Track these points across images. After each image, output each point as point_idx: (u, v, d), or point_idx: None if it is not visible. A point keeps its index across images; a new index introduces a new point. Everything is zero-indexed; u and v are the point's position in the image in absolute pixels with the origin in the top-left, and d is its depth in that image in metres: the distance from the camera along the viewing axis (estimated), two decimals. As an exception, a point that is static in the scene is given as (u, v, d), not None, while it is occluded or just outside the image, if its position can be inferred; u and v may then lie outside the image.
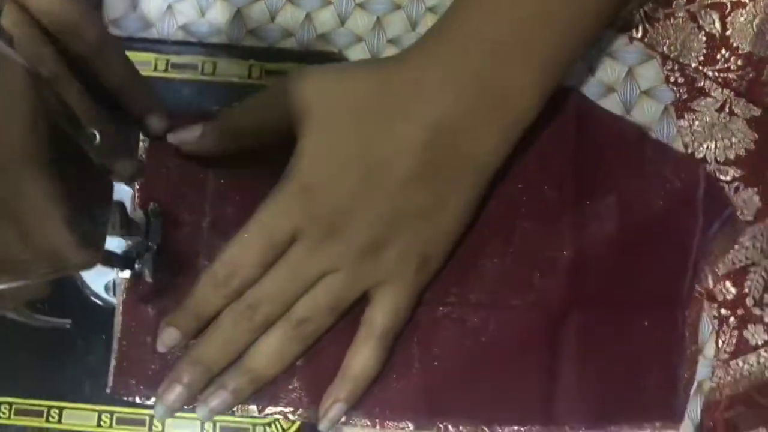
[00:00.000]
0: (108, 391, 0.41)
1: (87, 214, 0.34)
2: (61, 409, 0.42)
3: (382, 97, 0.39)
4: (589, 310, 0.42)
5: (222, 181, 0.42)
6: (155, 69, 0.45)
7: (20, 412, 0.42)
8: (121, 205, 0.34)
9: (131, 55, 0.41)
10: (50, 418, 0.42)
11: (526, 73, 0.39)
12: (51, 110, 0.27)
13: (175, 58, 0.45)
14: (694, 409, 0.43)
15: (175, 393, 0.39)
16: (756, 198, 0.44)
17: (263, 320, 0.39)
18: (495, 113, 0.39)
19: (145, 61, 0.45)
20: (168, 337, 0.40)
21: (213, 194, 0.42)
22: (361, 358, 0.40)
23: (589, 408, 0.42)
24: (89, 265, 0.35)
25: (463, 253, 0.42)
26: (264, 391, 0.41)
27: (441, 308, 0.42)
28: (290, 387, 0.41)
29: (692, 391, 0.43)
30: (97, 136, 0.34)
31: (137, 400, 0.41)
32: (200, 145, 0.41)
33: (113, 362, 0.41)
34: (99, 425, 0.42)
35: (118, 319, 0.41)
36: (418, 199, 0.39)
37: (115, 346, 0.41)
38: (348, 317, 0.41)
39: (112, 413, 0.42)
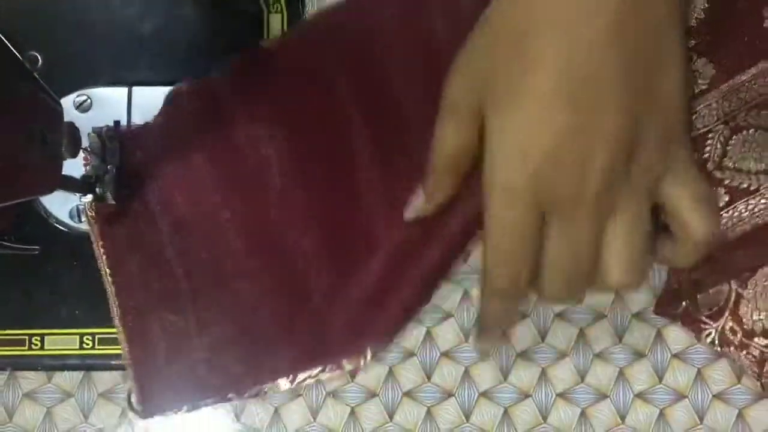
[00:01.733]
0: (143, 417, 0.40)
1: (39, 138, 0.33)
2: (42, 336, 0.43)
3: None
4: None
5: None
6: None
7: (2, 343, 0.42)
8: (71, 125, 0.34)
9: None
10: (33, 346, 0.43)
11: None
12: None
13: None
14: (658, 275, 0.44)
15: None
16: (710, 66, 0.45)
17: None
18: None
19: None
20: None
21: None
22: None
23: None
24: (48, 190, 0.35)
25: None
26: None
27: None
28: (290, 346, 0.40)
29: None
30: (40, 58, 0.33)
31: (172, 413, 0.40)
32: (431, 203, 0.39)
33: (135, 389, 0.40)
34: (82, 347, 0.42)
35: (119, 328, 0.41)
36: (638, 86, 0.33)
37: (130, 371, 0.40)
38: None
39: (93, 335, 0.42)
